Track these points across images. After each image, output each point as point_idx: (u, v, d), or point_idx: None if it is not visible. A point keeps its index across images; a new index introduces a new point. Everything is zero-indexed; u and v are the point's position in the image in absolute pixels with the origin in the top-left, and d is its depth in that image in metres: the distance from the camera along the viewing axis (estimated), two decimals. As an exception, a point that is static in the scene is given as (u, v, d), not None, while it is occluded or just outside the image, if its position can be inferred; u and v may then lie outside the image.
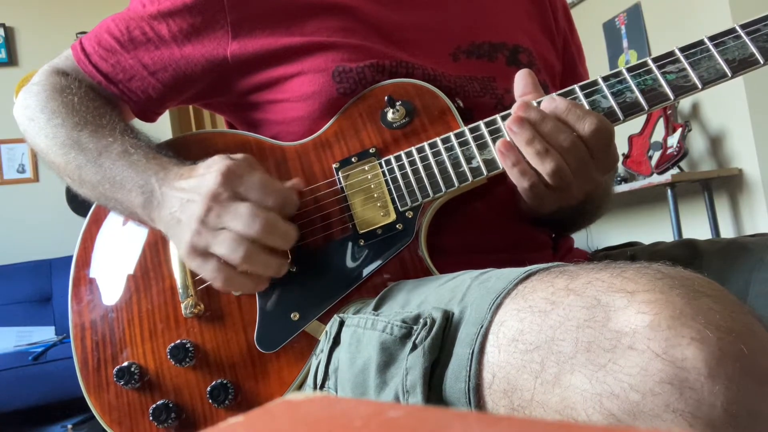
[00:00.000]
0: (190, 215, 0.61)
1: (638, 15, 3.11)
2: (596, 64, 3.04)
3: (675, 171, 2.70)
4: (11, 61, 3.76)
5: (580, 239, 0.89)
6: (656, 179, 2.58)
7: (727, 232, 2.74)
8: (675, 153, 2.66)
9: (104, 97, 0.77)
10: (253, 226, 0.58)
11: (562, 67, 0.88)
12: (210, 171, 0.61)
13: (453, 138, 0.65)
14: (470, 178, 0.63)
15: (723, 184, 2.75)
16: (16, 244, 3.50)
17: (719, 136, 2.76)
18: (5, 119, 3.68)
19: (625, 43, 3.20)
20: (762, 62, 0.59)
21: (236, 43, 0.73)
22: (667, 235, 2.84)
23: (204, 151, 0.74)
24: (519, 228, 0.75)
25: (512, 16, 0.83)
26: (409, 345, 0.50)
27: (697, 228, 2.83)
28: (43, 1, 3.85)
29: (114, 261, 0.74)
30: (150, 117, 0.80)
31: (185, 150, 0.75)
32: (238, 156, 0.64)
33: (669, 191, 2.58)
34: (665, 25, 2.95)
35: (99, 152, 0.68)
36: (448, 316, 0.49)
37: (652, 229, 3.11)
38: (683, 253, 0.72)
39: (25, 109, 0.76)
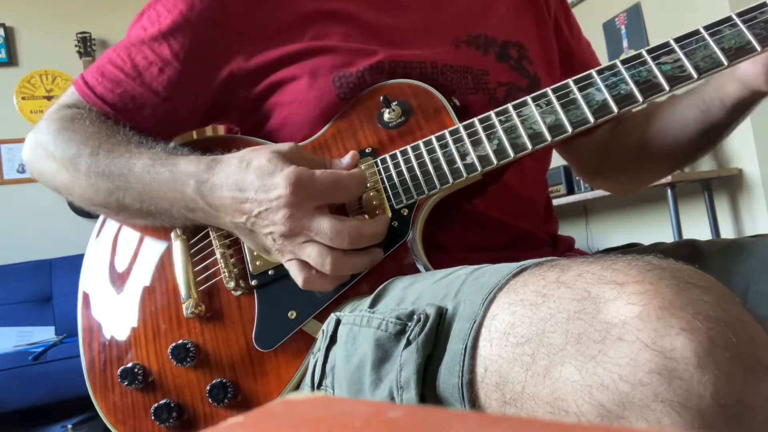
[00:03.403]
0: (270, 233, 0.60)
1: (638, 15, 3.11)
2: (596, 64, 3.03)
3: (675, 171, 2.70)
4: (11, 61, 3.77)
5: (581, 240, 0.90)
6: (656, 179, 2.58)
7: (727, 232, 2.74)
8: (675, 153, 2.66)
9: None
10: (341, 242, 0.59)
11: (558, 53, 0.89)
12: (275, 186, 0.59)
13: (447, 135, 0.65)
14: (464, 175, 0.63)
15: (723, 184, 2.75)
16: (16, 244, 3.50)
17: (719, 136, 2.76)
18: (5, 119, 3.70)
19: (625, 43, 3.21)
20: (759, 49, 0.58)
21: (240, 56, 0.73)
22: (667, 235, 2.84)
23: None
24: (517, 226, 0.75)
25: (503, 11, 0.84)
26: (404, 341, 0.50)
27: (697, 228, 2.83)
28: (43, 1, 3.85)
29: (120, 265, 0.75)
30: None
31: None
32: (285, 148, 0.63)
33: (669, 191, 2.58)
34: (665, 25, 2.95)
35: (124, 176, 0.67)
36: (441, 312, 0.49)
37: (652, 229, 3.11)
38: (684, 254, 0.72)
39: (36, 147, 0.73)
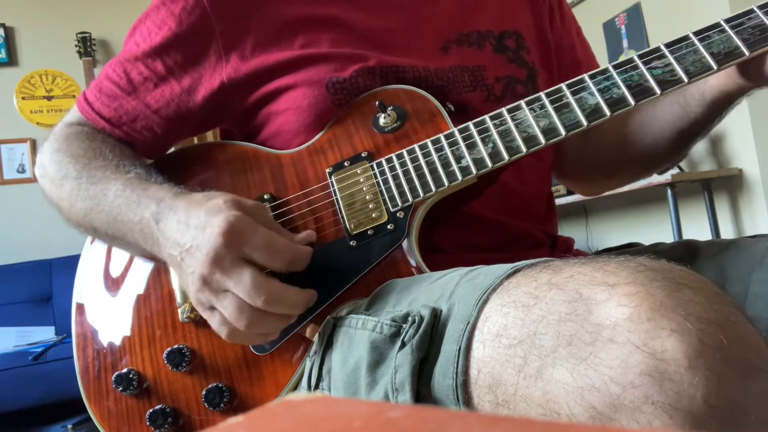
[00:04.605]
0: (192, 272, 0.58)
1: (638, 15, 3.11)
2: (596, 64, 3.04)
3: (675, 171, 2.70)
4: (11, 61, 3.77)
5: (580, 240, 0.90)
6: (656, 179, 2.58)
7: (727, 232, 2.74)
8: (675, 153, 2.66)
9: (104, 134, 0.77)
10: (257, 299, 0.56)
11: (554, 41, 0.89)
12: (211, 224, 0.57)
13: (443, 139, 0.66)
14: (460, 178, 0.64)
15: (723, 184, 2.75)
16: (16, 244, 3.50)
17: (719, 136, 2.76)
18: (5, 119, 3.70)
19: (625, 43, 3.21)
20: (747, 54, 0.60)
21: (230, 66, 0.73)
22: (667, 235, 2.84)
23: (203, 166, 0.75)
24: (514, 226, 0.76)
25: (497, 1, 0.84)
26: (398, 343, 0.50)
27: (697, 228, 2.83)
28: (43, 1, 3.85)
29: (115, 270, 0.75)
30: (159, 155, 0.80)
31: (184, 165, 0.75)
32: (248, 201, 0.61)
33: (669, 191, 2.58)
34: (665, 25, 2.95)
35: (97, 200, 0.68)
36: (436, 314, 0.49)
37: (652, 229, 3.11)
38: (683, 254, 0.72)
39: (39, 166, 0.77)
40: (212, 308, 0.59)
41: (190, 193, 0.63)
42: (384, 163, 0.67)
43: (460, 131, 0.65)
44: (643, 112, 0.81)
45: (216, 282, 0.57)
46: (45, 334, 3.03)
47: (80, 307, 0.75)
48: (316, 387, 0.60)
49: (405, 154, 0.67)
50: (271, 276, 0.59)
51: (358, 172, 0.68)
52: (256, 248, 0.57)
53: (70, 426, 2.54)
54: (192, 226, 0.58)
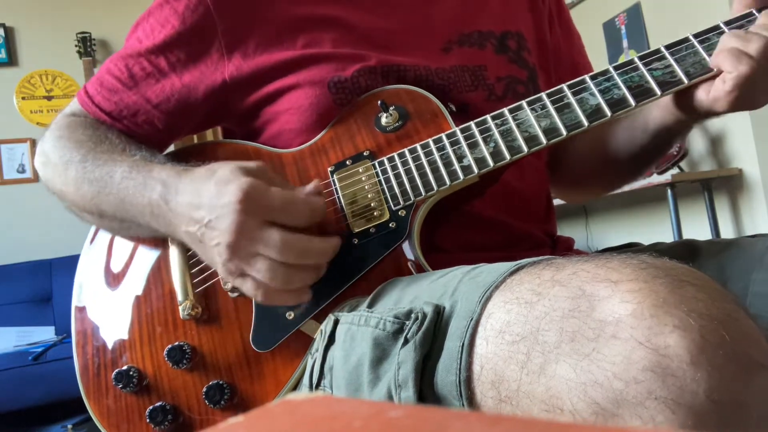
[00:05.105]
0: (216, 244, 0.59)
1: (638, 15, 3.11)
2: (596, 64, 3.03)
3: (675, 171, 2.70)
4: (11, 61, 3.77)
5: (581, 240, 0.92)
6: (656, 179, 2.58)
7: (727, 232, 2.74)
8: (675, 153, 2.66)
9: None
10: (289, 255, 0.57)
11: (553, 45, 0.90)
12: (226, 194, 0.58)
13: (444, 138, 0.66)
14: (461, 177, 0.64)
15: (723, 184, 2.75)
16: (16, 244, 3.50)
17: (719, 136, 2.76)
18: (5, 119, 3.70)
19: (625, 43, 3.20)
20: None
21: (232, 64, 0.74)
22: (667, 235, 2.84)
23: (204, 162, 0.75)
24: (515, 226, 0.76)
25: (498, 1, 0.84)
26: (401, 340, 0.50)
27: (697, 228, 2.83)
28: (43, 1, 3.85)
29: (116, 267, 0.75)
30: (159, 151, 0.80)
31: (185, 162, 0.75)
32: (251, 165, 0.61)
33: (669, 191, 2.58)
34: (665, 25, 2.95)
35: (104, 182, 0.68)
36: (439, 311, 0.49)
37: (652, 229, 3.11)
38: (683, 254, 0.72)
39: (40, 155, 0.77)
40: (243, 275, 0.60)
41: (192, 169, 0.64)
42: (386, 161, 0.68)
43: (462, 131, 0.66)
44: (606, 134, 0.85)
45: (244, 248, 0.58)
46: (45, 334, 3.03)
47: (80, 305, 0.75)
48: (318, 385, 0.60)
49: (407, 152, 0.67)
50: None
51: (360, 170, 0.68)
52: (275, 209, 0.58)
53: (70, 426, 2.54)
54: (205, 200, 0.59)
